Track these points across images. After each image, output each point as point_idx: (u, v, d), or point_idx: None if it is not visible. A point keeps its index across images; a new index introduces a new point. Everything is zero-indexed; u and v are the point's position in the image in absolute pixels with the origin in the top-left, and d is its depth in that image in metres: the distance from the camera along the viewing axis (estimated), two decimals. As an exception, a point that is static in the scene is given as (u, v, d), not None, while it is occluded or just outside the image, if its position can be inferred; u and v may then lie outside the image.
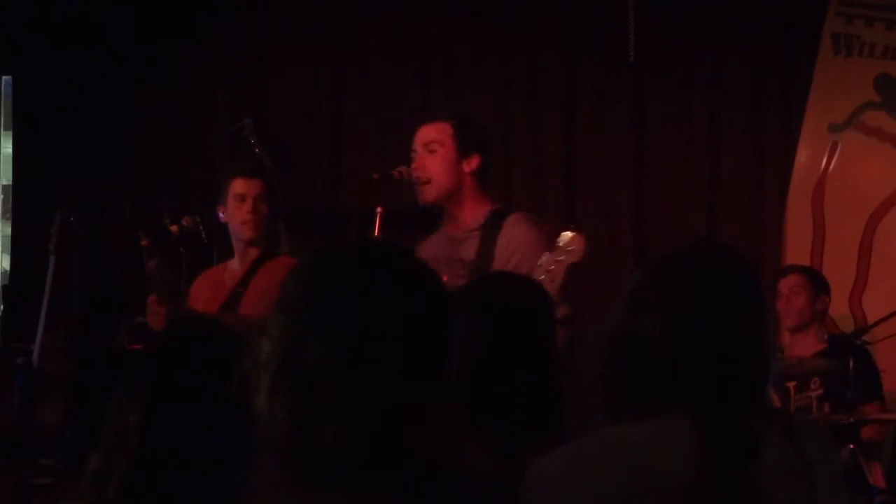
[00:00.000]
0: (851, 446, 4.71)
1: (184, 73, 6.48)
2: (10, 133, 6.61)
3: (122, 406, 2.03)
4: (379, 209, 4.14)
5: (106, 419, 2.04)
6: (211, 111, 6.47)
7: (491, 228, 4.16)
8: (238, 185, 4.91)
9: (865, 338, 5.48)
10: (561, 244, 3.67)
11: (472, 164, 4.21)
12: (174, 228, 5.04)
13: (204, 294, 4.94)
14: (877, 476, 4.98)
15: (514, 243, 4.10)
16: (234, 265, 4.92)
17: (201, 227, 5.07)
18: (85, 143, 6.31)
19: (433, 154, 4.18)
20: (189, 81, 6.49)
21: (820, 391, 5.23)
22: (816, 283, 5.48)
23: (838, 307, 6.00)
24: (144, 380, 2.06)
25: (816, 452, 2.04)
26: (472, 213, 4.22)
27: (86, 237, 5.64)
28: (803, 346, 5.42)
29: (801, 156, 6.26)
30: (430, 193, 4.18)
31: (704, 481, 1.93)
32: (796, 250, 6.19)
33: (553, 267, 3.64)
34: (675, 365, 2.01)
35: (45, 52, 6.38)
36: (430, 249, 4.14)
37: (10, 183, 6.62)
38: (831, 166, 6.24)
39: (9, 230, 6.61)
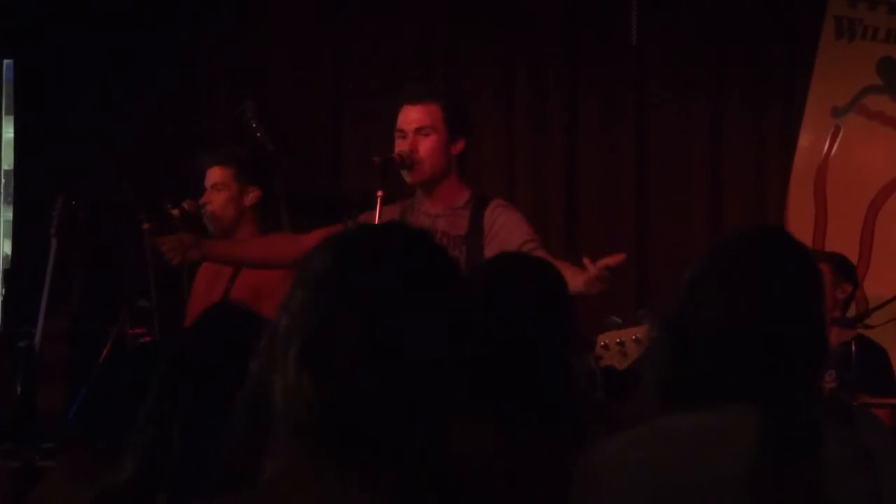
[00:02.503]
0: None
1: (185, 56, 6.47)
2: (11, 117, 6.61)
3: (162, 413, 2.03)
4: (380, 192, 4.16)
5: (141, 424, 2.05)
6: (212, 94, 6.46)
7: (477, 208, 4.28)
8: (205, 179, 4.97)
9: (868, 321, 5.47)
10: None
11: (458, 147, 4.30)
12: (175, 212, 5.04)
13: (206, 284, 4.98)
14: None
15: (500, 220, 4.25)
16: None
17: (202, 211, 5.08)
18: (86, 128, 6.30)
19: (427, 138, 4.24)
20: (190, 64, 6.48)
21: (833, 384, 5.22)
22: (839, 270, 5.43)
23: (840, 291, 6.00)
24: (184, 383, 2.07)
25: (876, 441, 2.02)
26: (454, 193, 4.32)
27: (87, 221, 5.64)
28: None
29: (804, 139, 6.25)
30: (421, 174, 4.25)
31: (767, 472, 1.91)
32: (798, 234, 6.08)
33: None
34: (737, 352, 1.99)
35: (46, 36, 6.37)
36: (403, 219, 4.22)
37: (12, 168, 6.61)
38: (833, 150, 6.24)
39: (10, 215, 6.61)
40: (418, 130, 4.24)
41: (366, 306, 1.57)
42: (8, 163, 6.62)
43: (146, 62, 6.38)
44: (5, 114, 6.62)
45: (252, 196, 5.02)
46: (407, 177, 4.27)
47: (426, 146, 4.23)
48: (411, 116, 4.27)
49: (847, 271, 5.51)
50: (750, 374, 1.98)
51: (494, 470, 2.38)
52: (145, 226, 5.10)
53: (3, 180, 6.66)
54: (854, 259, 6.02)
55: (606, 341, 3.89)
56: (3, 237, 6.64)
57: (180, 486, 1.97)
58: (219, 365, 2.04)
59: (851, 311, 5.63)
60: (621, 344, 3.82)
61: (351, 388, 1.55)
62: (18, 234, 6.53)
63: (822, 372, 2.07)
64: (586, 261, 3.89)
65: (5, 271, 6.56)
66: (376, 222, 4.12)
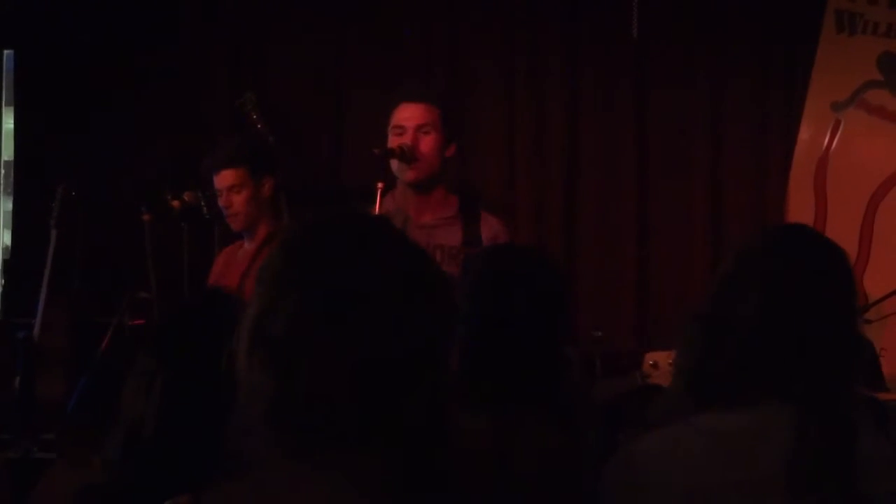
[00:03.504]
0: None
1: (186, 47, 6.47)
2: (11, 108, 6.60)
3: (137, 393, 2.04)
4: (380, 184, 4.15)
5: (120, 405, 2.05)
6: (213, 85, 6.46)
7: (470, 216, 4.26)
8: (215, 181, 4.95)
9: (867, 316, 5.48)
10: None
11: (451, 151, 4.28)
12: (175, 203, 5.05)
13: (218, 271, 4.99)
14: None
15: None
16: (248, 245, 4.97)
17: (203, 203, 5.08)
18: (86, 119, 6.30)
19: (427, 136, 4.22)
20: (191, 56, 6.48)
21: None
22: None
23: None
24: (158, 365, 2.07)
25: None
26: (444, 202, 4.31)
27: (87, 212, 5.64)
28: None
29: (804, 134, 6.25)
30: (421, 171, 4.22)
31: (804, 472, 1.90)
32: (799, 227, 6.17)
33: None
34: (771, 350, 1.99)
35: (46, 27, 6.36)
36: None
37: (12, 158, 6.61)
38: (833, 145, 6.24)
39: (10, 206, 6.60)
40: (419, 128, 4.22)
41: (303, 289, 1.59)
42: (8, 153, 6.62)
43: (147, 53, 6.37)
44: (5, 104, 6.61)
45: (268, 187, 5.01)
46: (405, 173, 4.22)
47: (427, 143, 4.22)
48: (412, 113, 4.25)
49: None
50: (785, 372, 1.98)
51: (491, 458, 2.38)
52: (145, 217, 5.11)
53: (2, 171, 6.65)
54: (853, 253, 6.03)
55: (657, 360, 3.88)
56: (3, 228, 6.63)
57: (154, 471, 1.98)
58: (194, 351, 2.05)
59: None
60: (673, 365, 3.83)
61: (293, 368, 1.56)
62: (18, 224, 6.52)
63: (856, 369, 2.04)
64: None
65: (5, 262, 6.55)
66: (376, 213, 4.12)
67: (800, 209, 6.21)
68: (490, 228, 4.25)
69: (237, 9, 6.53)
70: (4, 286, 6.46)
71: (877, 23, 6.21)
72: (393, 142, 4.22)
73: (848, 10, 6.21)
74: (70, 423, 4.47)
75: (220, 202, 4.95)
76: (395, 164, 4.22)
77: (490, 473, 2.38)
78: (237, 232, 5.03)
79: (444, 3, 6.48)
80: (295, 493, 1.55)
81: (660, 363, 3.85)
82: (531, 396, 2.53)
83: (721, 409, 1.99)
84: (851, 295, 2.09)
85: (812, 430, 1.92)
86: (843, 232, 6.13)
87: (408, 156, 4.17)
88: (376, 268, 1.61)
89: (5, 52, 6.58)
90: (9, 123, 6.60)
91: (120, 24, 6.36)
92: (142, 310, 5.11)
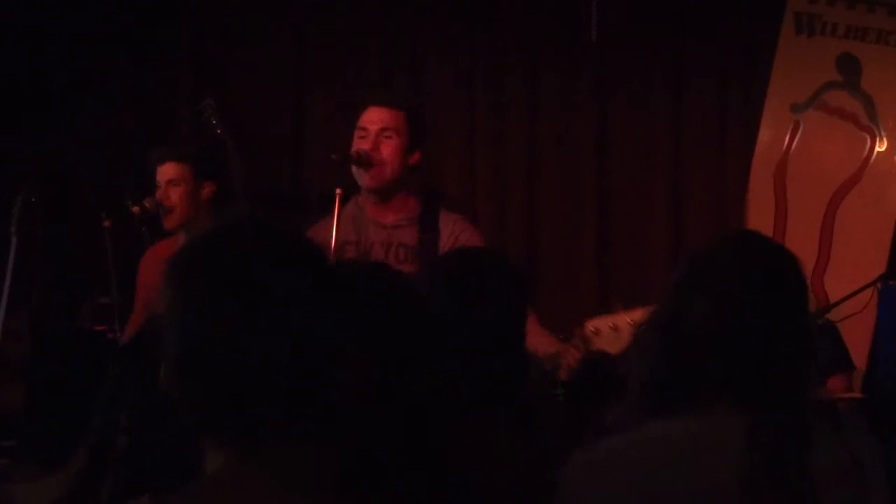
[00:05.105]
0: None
1: (146, 52, 6.44)
2: (-32, 114, 6.56)
3: (110, 405, 2.04)
4: (338, 190, 4.16)
5: (93, 417, 2.05)
6: (173, 91, 6.44)
7: (428, 218, 4.26)
8: (157, 173, 4.97)
9: (828, 317, 5.50)
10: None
11: (415, 158, 4.28)
12: (136, 209, 5.05)
13: (150, 274, 4.98)
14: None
15: (461, 238, 4.20)
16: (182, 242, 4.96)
17: (160, 207, 5.08)
18: (46, 125, 6.26)
19: (389, 140, 4.23)
20: (151, 61, 6.46)
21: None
22: None
23: (800, 286, 6.01)
24: (129, 377, 2.07)
25: (863, 447, 2.02)
26: (405, 202, 4.31)
27: (47, 218, 5.61)
28: None
29: (764, 135, 6.27)
30: (381, 177, 4.23)
31: (756, 478, 1.90)
32: (758, 230, 6.19)
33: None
34: (725, 357, 1.99)
35: (3, 33, 6.32)
36: (351, 233, 4.20)
37: (-30, 165, 6.56)
38: (793, 146, 6.26)
39: (-31, 212, 6.56)
40: (381, 131, 4.24)
41: (200, 304, 1.61)
42: (-34, 160, 6.57)
43: (106, 59, 6.34)
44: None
45: (208, 190, 5.05)
46: (364, 179, 4.24)
47: (388, 148, 4.24)
48: (376, 117, 4.27)
49: None
50: (737, 379, 1.98)
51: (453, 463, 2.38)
52: (106, 223, 5.10)
53: (-39, 178, 6.60)
54: (813, 255, 6.06)
55: (597, 326, 3.84)
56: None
57: (121, 478, 1.98)
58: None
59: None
60: (615, 328, 3.78)
61: (209, 377, 1.59)
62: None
63: (811, 375, 2.05)
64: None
65: (-36, 269, 6.51)
66: (335, 220, 4.13)
67: (760, 211, 6.23)
68: (449, 225, 4.25)
69: (197, 14, 6.51)
70: (-36, 293, 6.41)
71: (836, 24, 6.24)
72: (357, 143, 4.25)
73: (807, 12, 6.24)
74: (29, 432, 4.45)
75: (158, 195, 4.97)
76: (354, 169, 4.24)
77: (451, 478, 2.38)
78: (169, 230, 5.03)
79: (403, 8, 6.47)
80: (246, 493, 1.55)
81: (601, 329, 3.83)
82: (493, 399, 2.53)
83: (674, 416, 1.99)
84: (804, 301, 2.09)
85: (764, 438, 1.93)
86: (803, 234, 6.16)
87: (364, 162, 4.19)
88: (266, 273, 1.62)
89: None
90: (-34, 130, 6.56)
91: (79, 29, 6.33)
92: (103, 316, 5.10)
